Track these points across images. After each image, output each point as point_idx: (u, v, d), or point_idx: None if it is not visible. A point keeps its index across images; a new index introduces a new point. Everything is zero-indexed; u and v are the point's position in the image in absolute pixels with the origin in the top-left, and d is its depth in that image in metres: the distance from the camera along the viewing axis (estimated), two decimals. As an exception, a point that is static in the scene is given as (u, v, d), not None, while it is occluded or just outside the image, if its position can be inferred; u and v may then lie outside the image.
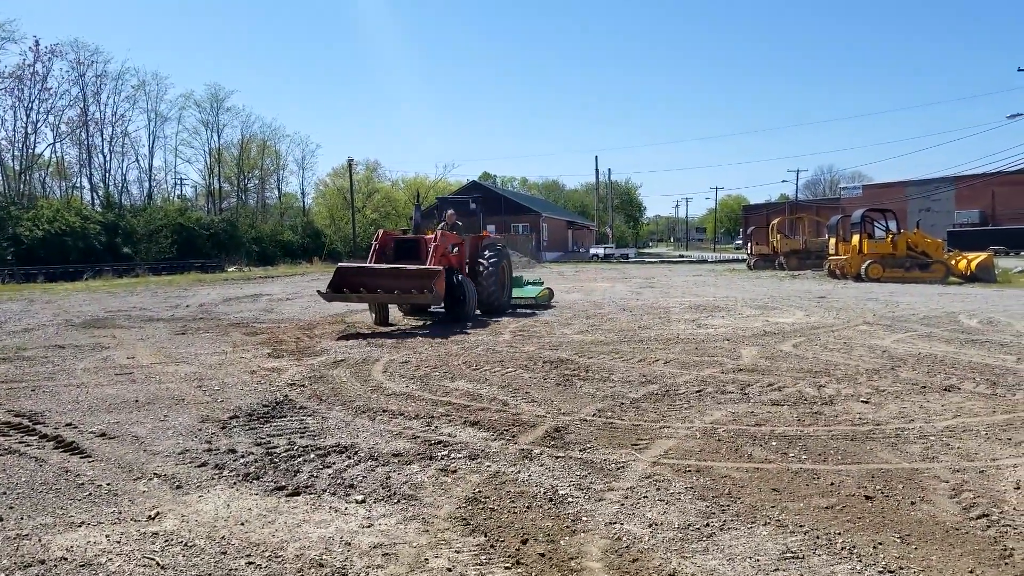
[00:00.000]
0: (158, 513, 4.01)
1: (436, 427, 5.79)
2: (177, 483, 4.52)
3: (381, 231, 14.14)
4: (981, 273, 24.75)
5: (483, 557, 3.40)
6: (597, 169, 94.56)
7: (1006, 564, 3.29)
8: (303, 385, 7.60)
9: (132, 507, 4.12)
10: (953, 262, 25.94)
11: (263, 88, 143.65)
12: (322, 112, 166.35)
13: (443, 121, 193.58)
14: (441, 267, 12.95)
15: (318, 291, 12.28)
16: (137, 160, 67.36)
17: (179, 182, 75.50)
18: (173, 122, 75.09)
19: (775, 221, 40.91)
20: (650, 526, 3.75)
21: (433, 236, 13.67)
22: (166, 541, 3.63)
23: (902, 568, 3.26)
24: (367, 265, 13.46)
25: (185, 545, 3.58)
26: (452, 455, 5.01)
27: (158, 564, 3.38)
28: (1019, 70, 46.85)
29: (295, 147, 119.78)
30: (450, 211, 15.06)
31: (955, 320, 12.85)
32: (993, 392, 6.79)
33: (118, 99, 63.30)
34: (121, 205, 58.24)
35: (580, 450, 5.11)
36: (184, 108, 71.29)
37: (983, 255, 26.05)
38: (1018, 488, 4.23)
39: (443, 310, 14.05)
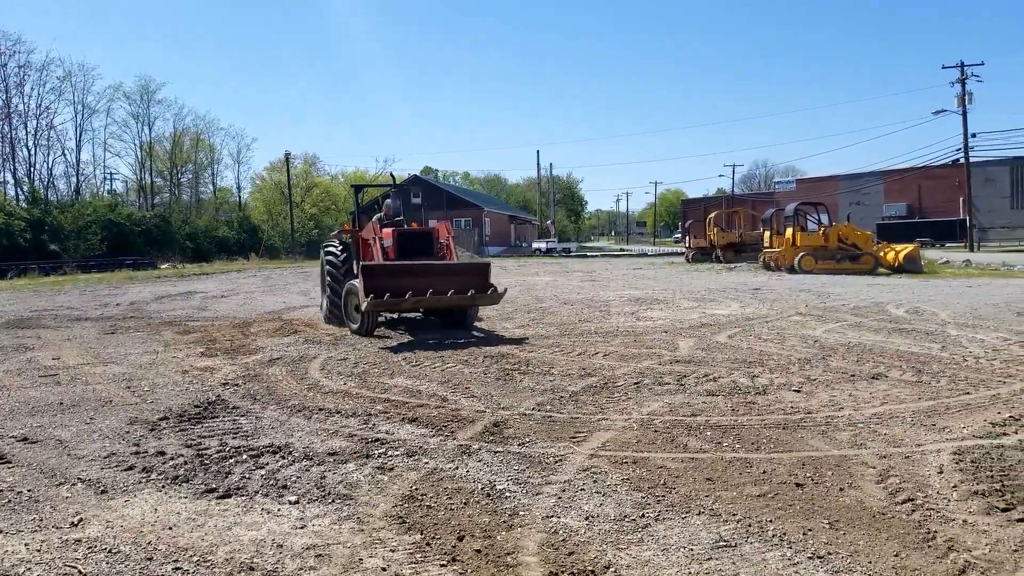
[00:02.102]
0: (81, 519, 3.86)
1: (373, 425, 5.71)
2: (102, 488, 4.36)
3: (374, 222, 12.18)
4: (908, 264, 25.66)
5: (419, 555, 3.36)
6: (539, 164, 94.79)
7: (929, 547, 3.39)
8: (237, 384, 7.42)
9: (54, 514, 3.95)
10: (882, 254, 26.81)
11: (196, 80, 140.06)
12: (258, 105, 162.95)
13: (383, 115, 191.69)
14: (488, 262, 11.66)
15: (370, 302, 9.86)
16: (64, 154, 64.76)
17: (109, 177, 72.97)
18: (101, 115, 72.05)
19: (712, 215, 41.61)
20: (586, 519, 3.76)
21: (437, 227, 12.27)
22: (89, 548, 3.50)
23: (831, 553, 3.33)
24: (410, 263, 11.06)
25: (109, 552, 3.45)
26: (389, 453, 4.95)
27: (80, 572, 3.25)
28: (944, 67, 48.53)
29: (230, 140, 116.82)
30: (388, 201, 13.73)
31: (883, 310, 13.28)
32: (919, 379, 7.01)
33: (43, 91, 60.91)
34: (47, 200, 56.08)
35: (519, 444, 5.10)
36: (113, 100, 69.20)
37: (910, 247, 27.02)
38: (941, 473, 4.37)
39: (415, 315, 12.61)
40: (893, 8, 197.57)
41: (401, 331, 11.42)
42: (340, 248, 12.54)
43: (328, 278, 12.30)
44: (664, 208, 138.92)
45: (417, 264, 11.04)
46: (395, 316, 12.72)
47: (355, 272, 11.99)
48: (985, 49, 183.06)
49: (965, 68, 47.07)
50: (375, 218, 13.16)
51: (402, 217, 13.29)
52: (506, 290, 11.08)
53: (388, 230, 11.89)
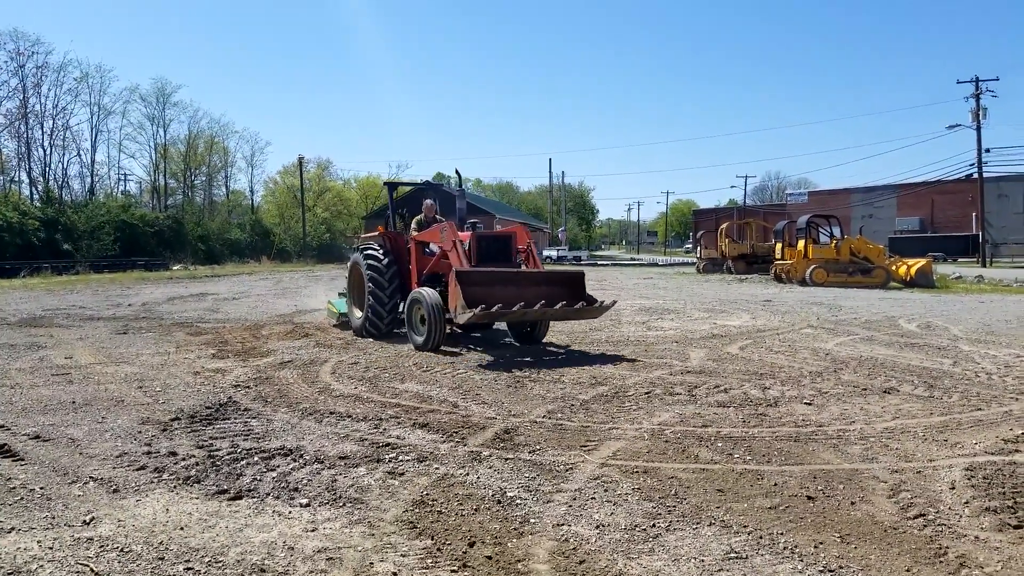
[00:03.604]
0: (93, 518, 3.87)
1: (385, 429, 5.72)
2: (114, 487, 4.38)
3: (449, 224, 10.61)
4: (920, 279, 25.52)
5: (429, 560, 3.36)
6: (551, 172, 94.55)
7: (941, 562, 3.37)
8: (248, 386, 7.45)
9: (66, 512, 3.97)
10: (894, 268, 26.69)
11: (211, 83, 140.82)
12: (273, 109, 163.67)
13: (397, 121, 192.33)
14: (583, 271, 10.81)
15: (478, 313, 8.81)
16: (79, 154, 65.56)
17: (123, 178, 73.52)
18: (117, 116, 72.40)
19: (724, 226, 41.56)
20: (597, 527, 3.75)
21: (516, 232, 11.11)
22: (101, 547, 3.51)
23: (842, 567, 3.32)
24: (514, 271, 10.22)
25: (121, 551, 3.47)
26: (400, 457, 4.95)
27: (92, 570, 3.26)
28: (959, 82, 48.38)
29: (244, 144, 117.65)
30: (428, 201, 12.08)
31: (895, 324, 13.21)
32: (930, 395, 6.97)
33: (59, 91, 61.38)
34: (61, 200, 56.56)
35: (529, 452, 5.10)
36: (129, 102, 69.58)
37: (922, 261, 26.89)
38: (953, 488, 4.34)
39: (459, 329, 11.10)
40: (908, 22, 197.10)
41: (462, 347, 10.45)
42: (382, 252, 11.37)
43: (371, 285, 11.07)
44: (675, 218, 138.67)
45: (520, 272, 10.24)
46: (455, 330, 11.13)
47: (409, 280, 11.18)
48: (1000, 64, 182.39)
49: (980, 83, 46.91)
50: (415, 220, 11.99)
51: (477, 220, 12.14)
52: (614, 302, 10.42)
53: (464, 234, 10.70)
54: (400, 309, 11.05)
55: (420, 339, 9.91)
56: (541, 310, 9.37)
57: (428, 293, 9.92)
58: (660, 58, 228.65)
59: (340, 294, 13.61)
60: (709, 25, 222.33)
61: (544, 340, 10.76)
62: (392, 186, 13.06)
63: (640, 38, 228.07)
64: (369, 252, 11.47)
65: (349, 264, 12.40)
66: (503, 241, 10.79)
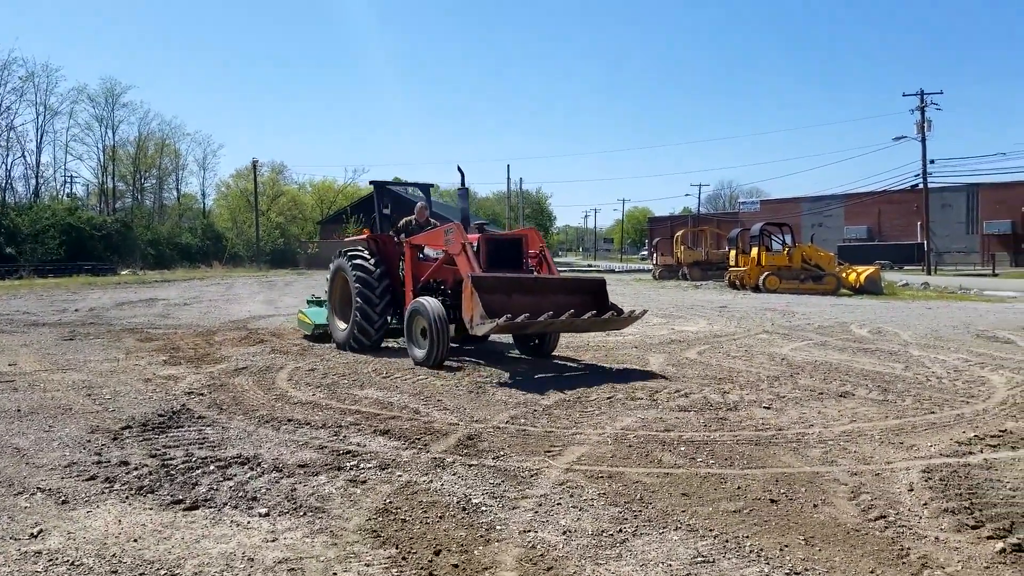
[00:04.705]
0: (41, 530, 3.71)
1: (345, 436, 5.61)
2: (63, 498, 4.21)
3: (456, 226, 9.57)
4: (869, 285, 26.18)
5: (394, 570, 3.29)
6: (509, 178, 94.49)
7: (903, 563, 3.41)
8: (202, 394, 7.26)
9: (12, 524, 3.80)
10: (844, 275, 27.32)
11: (162, 84, 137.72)
12: (226, 112, 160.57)
13: (352, 126, 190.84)
14: (604, 278, 10.05)
15: (501, 323, 7.95)
16: (23, 155, 63.42)
17: (69, 180, 71.53)
18: (64, 117, 70.39)
19: (679, 233, 42.17)
20: (564, 533, 3.72)
21: (528, 235, 10.22)
22: (50, 560, 3.37)
23: (808, 569, 3.33)
24: (533, 277, 9.40)
25: (71, 564, 3.33)
26: (361, 465, 4.86)
27: (40, 586, 3.12)
28: (904, 95, 49.81)
29: (196, 146, 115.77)
30: (421, 203, 11.11)
31: (847, 329, 13.49)
32: (885, 398, 7.11)
33: (3, 91, 59.65)
34: (4, 203, 54.77)
35: (493, 458, 5.05)
36: (76, 102, 67.71)
37: (871, 269, 27.60)
38: (912, 490, 4.41)
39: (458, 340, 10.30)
40: (857, 36, 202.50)
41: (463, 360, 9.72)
42: (371, 257, 10.44)
43: (359, 296, 10.17)
44: (631, 225, 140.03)
45: (540, 279, 9.40)
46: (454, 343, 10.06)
47: (400, 288, 10.36)
48: (945, 78, 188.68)
49: (925, 96, 48.31)
50: (403, 221, 11.04)
51: (486, 222, 11.27)
52: (644, 311, 9.62)
53: (472, 236, 9.71)
54: (391, 321, 10.47)
55: (421, 353, 9.05)
56: (568, 320, 8.48)
57: (431, 303, 9.06)
58: (617, 67, 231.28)
59: (309, 301, 13.05)
60: (666, 36, 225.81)
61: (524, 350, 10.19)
62: (379, 186, 11.81)
63: (598, 47, 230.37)
64: (356, 258, 10.51)
65: (331, 270, 11.29)
66: (513, 245, 9.81)
